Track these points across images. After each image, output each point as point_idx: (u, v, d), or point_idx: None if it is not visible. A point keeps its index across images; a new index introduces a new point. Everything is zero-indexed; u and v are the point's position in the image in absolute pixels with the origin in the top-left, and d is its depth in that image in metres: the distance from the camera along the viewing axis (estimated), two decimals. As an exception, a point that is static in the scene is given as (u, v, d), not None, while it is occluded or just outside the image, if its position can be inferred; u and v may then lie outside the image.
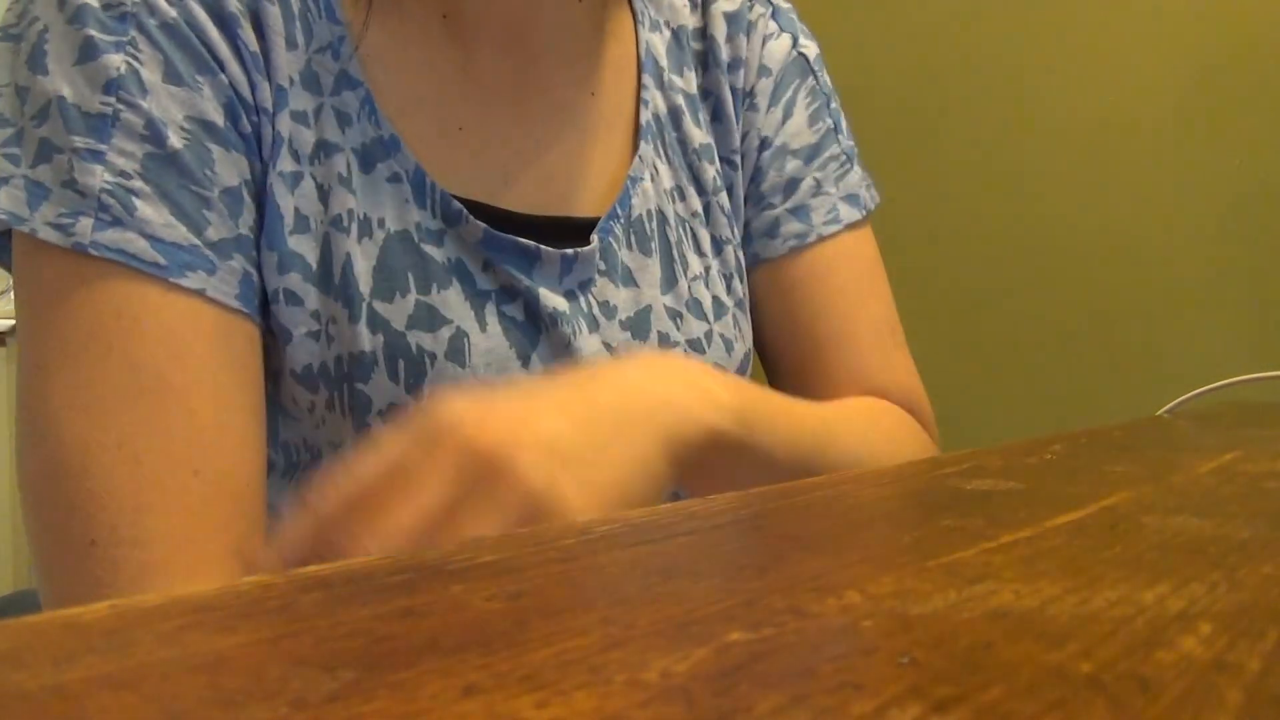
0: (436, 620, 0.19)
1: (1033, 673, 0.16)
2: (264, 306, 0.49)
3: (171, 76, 0.45)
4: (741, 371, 0.60)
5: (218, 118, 0.46)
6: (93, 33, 0.44)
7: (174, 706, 0.15)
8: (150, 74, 0.44)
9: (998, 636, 0.18)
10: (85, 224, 0.43)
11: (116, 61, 0.44)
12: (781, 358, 0.64)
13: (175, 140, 0.44)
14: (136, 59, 0.44)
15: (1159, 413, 0.70)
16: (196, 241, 0.44)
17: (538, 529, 0.28)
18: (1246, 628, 0.19)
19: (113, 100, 0.44)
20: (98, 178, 0.43)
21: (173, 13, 0.45)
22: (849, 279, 0.63)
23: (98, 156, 0.43)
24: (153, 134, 0.44)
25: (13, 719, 0.14)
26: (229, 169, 0.46)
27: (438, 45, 0.54)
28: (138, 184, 0.44)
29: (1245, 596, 0.21)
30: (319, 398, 0.49)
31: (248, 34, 0.47)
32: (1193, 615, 0.20)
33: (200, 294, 0.44)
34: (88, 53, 0.44)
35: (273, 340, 0.49)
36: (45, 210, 0.43)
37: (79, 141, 0.43)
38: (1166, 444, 0.50)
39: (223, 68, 0.46)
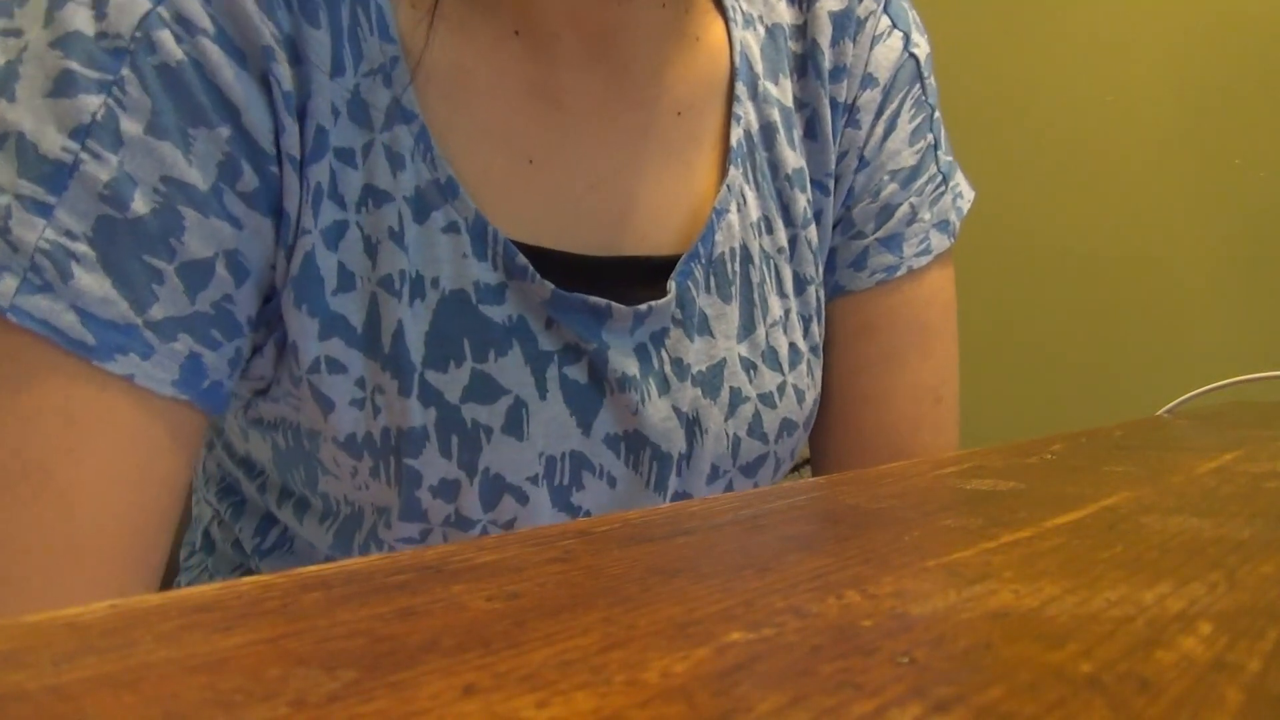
0: (436, 620, 0.19)
1: (1033, 673, 0.16)
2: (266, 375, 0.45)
3: (157, 129, 0.39)
4: (809, 421, 0.56)
5: (203, 180, 0.40)
6: (75, 66, 0.38)
7: (174, 706, 0.15)
8: (131, 124, 0.39)
9: (998, 636, 0.18)
10: (9, 284, 0.37)
11: (94, 104, 0.38)
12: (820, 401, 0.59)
13: (141, 204, 0.39)
14: (119, 104, 0.39)
15: (1159, 413, 0.70)
16: (136, 321, 0.39)
17: (537, 529, 0.28)
18: (1246, 628, 0.19)
19: (77, 149, 0.38)
20: (37, 233, 0.37)
21: (179, 53, 0.39)
22: (916, 331, 0.58)
23: (44, 210, 0.37)
24: (114, 195, 0.38)
25: (13, 719, 0.14)
26: (203, 239, 0.40)
27: (508, 66, 0.48)
28: (82, 248, 0.38)
29: (1245, 596, 0.21)
30: (363, 464, 0.45)
31: (283, 69, 0.41)
32: (1193, 615, 0.20)
33: (128, 380, 0.39)
34: (64, 87, 0.38)
35: (311, 408, 0.45)
36: None
37: (26, 188, 0.37)
38: (1166, 444, 0.50)
39: (236, 115, 0.41)
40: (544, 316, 0.47)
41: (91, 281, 0.38)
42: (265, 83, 0.41)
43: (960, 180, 0.61)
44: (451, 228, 0.45)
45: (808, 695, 0.15)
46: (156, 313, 0.40)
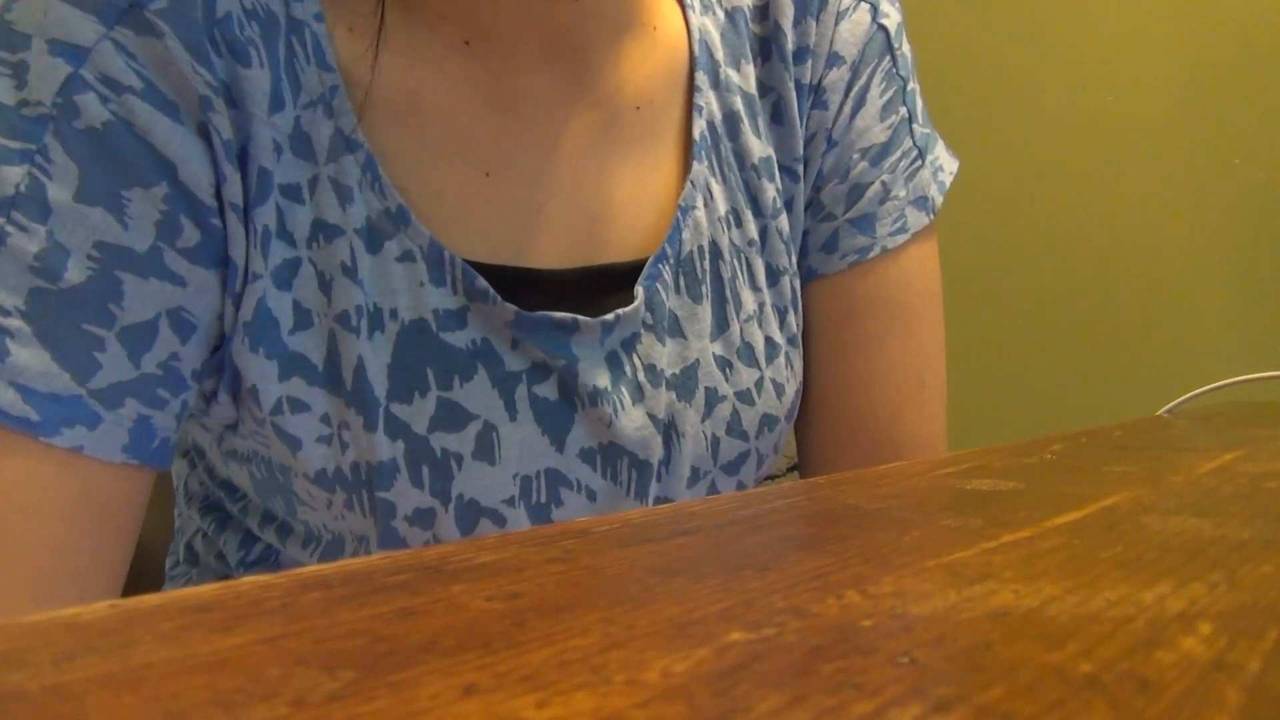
0: (436, 620, 0.19)
1: (1033, 673, 0.16)
2: (237, 398, 0.44)
3: (87, 194, 0.38)
4: (791, 413, 0.55)
5: (140, 242, 0.39)
6: None
7: (174, 706, 0.15)
8: (58, 192, 0.38)
9: (998, 636, 0.18)
10: None
11: (16, 175, 0.37)
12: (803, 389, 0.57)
13: (75, 273, 0.38)
14: (44, 172, 0.37)
15: (1159, 413, 0.70)
16: (80, 391, 0.38)
17: (537, 529, 0.28)
18: (1246, 628, 0.19)
19: (2, 222, 0.37)
20: None
21: (105, 114, 0.38)
22: (895, 313, 0.55)
23: None
24: (45, 266, 0.37)
25: (13, 719, 0.14)
26: (143, 302, 0.39)
27: (459, 78, 0.46)
28: (16, 323, 0.37)
29: (1245, 596, 0.21)
30: (336, 498, 0.45)
31: (220, 117, 0.40)
32: (1193, 615, 0.20)
33: (76, 451, 0.38)
34: None
35: (278, 446, 0.44)
36: None
37: None
38: (1166, 444, 0.50)
39: (172, 171, 0.40)
40: (509, 337, 0.46)
41: (29, 356, 0.37)
42: (204, 133, 0.40)
43: (940, 152, 0.58)
44: (406, 256, 0.44)
45: (808, 695, 0.15)
46: (100, 381, 0.39)
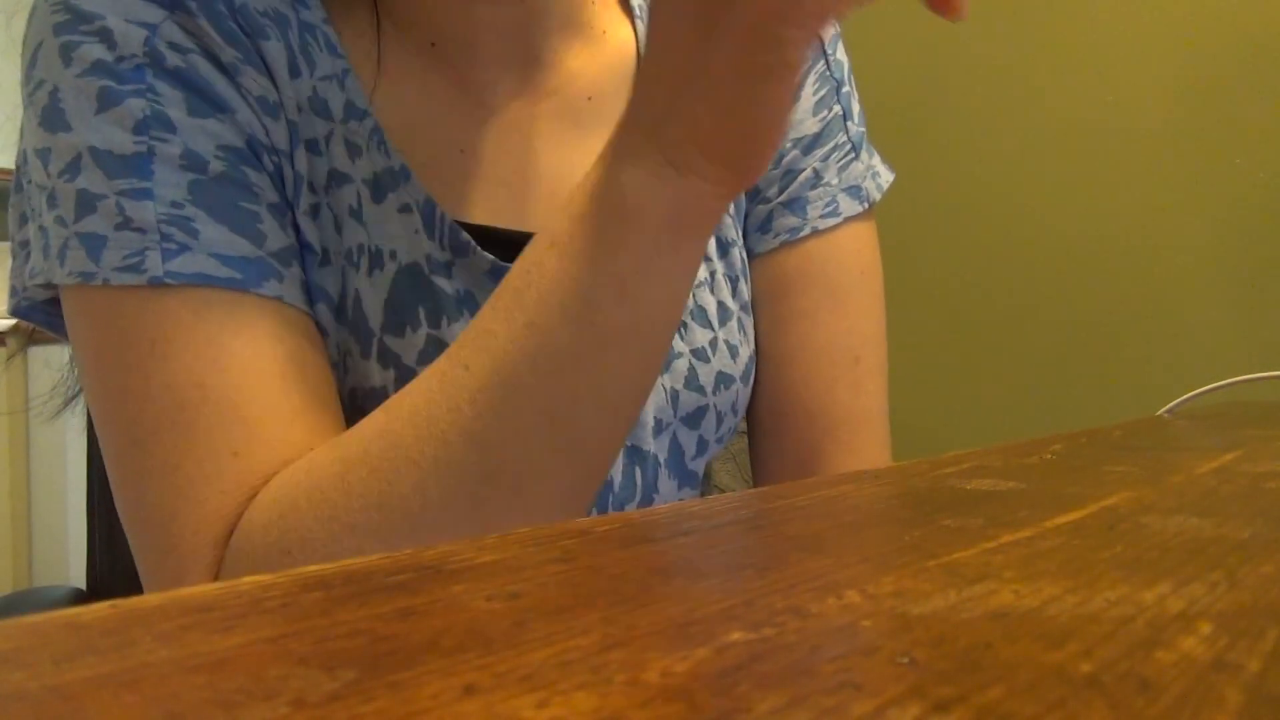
0: (436, 620, 0.19)
1: (1033, 673, 0.16)
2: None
3: (197, 112, 0.45)
4: (747, 375, 0.59)
5: (244, 147, 0.47)
6: (108, 83, 0.44)
7: (174, 706, 0.15)
8: (175, 113, 0.45)
9: (998, 636, 0.18)
10: (154, 257, 0.43)
11: (139, 105, 0.44)
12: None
13: (215, 165, 0.45)
14: (158, 102, 0.45)
15: (1159, 413, 0.70)
16: (260, 253, 0.45)
17: (537, 529, 0.28)
18: (1246, 628, 0.19)
19: (145, 139, 0.44)
20: (151, 212, 0.43)
21: (180, 61, 0.46)
22: (827, 289, 0.59)
23: (145, 193, 0.43)
24: (192, 162, 0.44)
25: (13, 719, 0.14)
26: (266, 188, 0.47)
27: (432, 71, 0.54)
28: (191, 210, 0.44)
29: (1245, 596, 0.21)
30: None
31: (250, 80, 0.47)
32: (1193, 615, 0.20)
33: (278, 300, 0.45)
34: (107, 101, 0.44)
35: None
36: (109, 257, 0.43)
37: (122, 184, 0.43)
38: (1166, 444, 0.50)
39: (234, 114, 0.47)
40: (489, 289, 0.50)
41: (213, 232, 0.44)
42: (241, 92, 0.47)
43: (877, 162, 0.63)
44: (405, 208, 0.50)
45: (808, 695, 0.15)
46: (272, 244, 0.46)
